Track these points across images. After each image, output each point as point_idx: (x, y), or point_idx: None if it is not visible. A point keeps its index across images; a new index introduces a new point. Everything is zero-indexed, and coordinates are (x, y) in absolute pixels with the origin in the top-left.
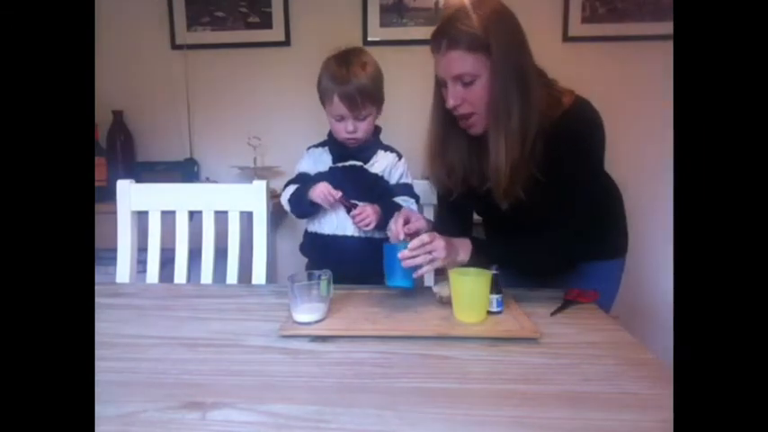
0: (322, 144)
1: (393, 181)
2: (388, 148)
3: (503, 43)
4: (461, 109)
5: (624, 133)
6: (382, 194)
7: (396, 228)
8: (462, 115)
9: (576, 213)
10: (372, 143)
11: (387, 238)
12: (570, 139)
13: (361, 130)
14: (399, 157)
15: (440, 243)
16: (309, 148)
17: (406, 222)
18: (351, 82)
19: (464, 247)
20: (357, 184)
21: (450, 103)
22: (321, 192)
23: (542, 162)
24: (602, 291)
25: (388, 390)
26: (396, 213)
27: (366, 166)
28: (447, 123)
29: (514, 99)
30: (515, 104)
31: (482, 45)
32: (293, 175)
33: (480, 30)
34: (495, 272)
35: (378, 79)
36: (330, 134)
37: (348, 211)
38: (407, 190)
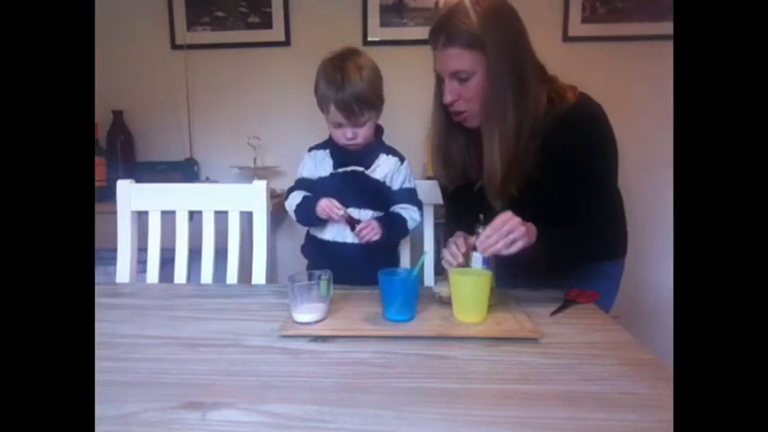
0: (323, 146)
1: (395, 187)
2: (390, 151)
3: (499, 41)
4: (457, 105)
5: (624, 133)
6: (383, 201)
7: (456, 248)
8: (457, 111)
9: (585, 211)
10: (375, 146)
11: (385, 248)
12: (579, 134)
13: (360, 135)
14: (402, 160)
15: (516, 220)
16: (311, 149)
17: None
18: (346, 89)
19: (531, 229)
20: (358, 190)
21: (447, 98)
22: (324, 208)
23: (541, 160)
24: (602, 291)
25: (388, 390)
26: (451, 239)
27: (367, 172)
28: (446, 117)
29: (510, 97)
30: (510, 102)
31: (479, 42)
32: (295, 179)
33: (477, 27)
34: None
35: (375, 83)
36: (331, 137)
37: (352, 228)
38: (409, 196)
